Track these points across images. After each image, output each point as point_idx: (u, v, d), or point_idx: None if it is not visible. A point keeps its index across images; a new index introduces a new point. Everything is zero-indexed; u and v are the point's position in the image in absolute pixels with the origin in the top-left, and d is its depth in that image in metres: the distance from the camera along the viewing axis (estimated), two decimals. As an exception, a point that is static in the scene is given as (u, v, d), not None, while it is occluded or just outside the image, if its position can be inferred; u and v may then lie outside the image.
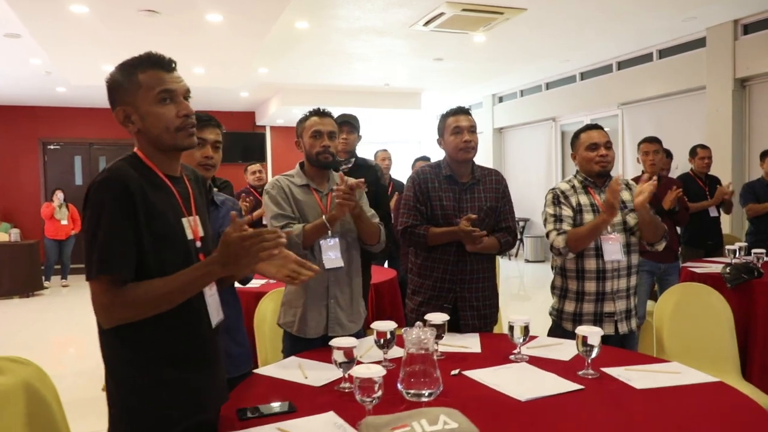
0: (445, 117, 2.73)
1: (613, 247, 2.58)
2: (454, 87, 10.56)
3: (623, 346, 2.64)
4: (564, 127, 10.14)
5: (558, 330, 2.69)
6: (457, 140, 2.65)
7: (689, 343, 2.89)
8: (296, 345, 2.40)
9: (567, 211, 2.65)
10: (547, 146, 10.29)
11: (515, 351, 2.18)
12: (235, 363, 2.18)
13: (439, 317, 2.20)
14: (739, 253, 4.34)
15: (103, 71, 6.87)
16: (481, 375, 1.97)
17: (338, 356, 1.88)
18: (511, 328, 2.15)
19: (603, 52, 8.41)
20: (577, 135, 2.78)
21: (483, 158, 12.00)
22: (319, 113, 2.51)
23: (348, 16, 6.19)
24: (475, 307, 2.66)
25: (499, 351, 2.24)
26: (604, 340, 2.61)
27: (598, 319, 2.60)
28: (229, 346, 2.17)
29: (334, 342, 1.90)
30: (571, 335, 2.60)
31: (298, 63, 8.39)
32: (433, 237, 2.62)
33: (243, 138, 12.52)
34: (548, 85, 10.08)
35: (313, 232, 2.36)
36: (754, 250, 4.14)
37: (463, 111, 2.72)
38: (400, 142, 13.81)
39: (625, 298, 2.64)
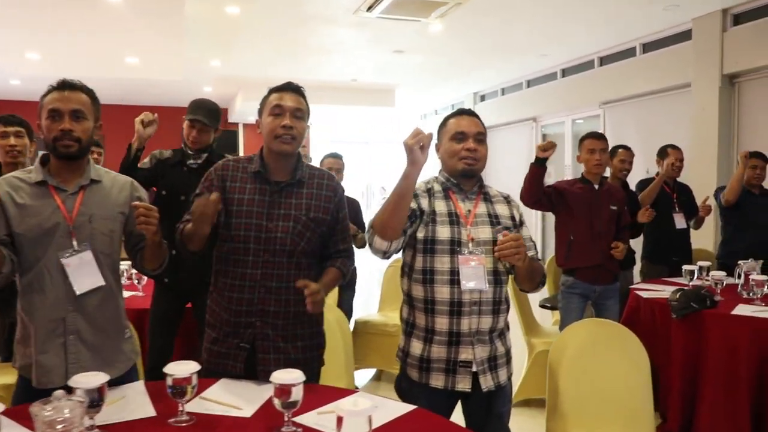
0: (268, 93, 2.05)
1: (473, 272, 1.88)
2: (429, 83, 9.87)
3: (489, 408, 1.96)
4: (545, 128, 9.42)
5: (404, 381, 2.01)
6: (275, 124, 1.96)
7: (591, 398, 2.20)
8: (26, 397, 1.72)
9: None
10: (528, 149, 9.56)
11: (286, 419, 1.52)
12: None
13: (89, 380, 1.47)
14: (700, 273, 3.64)
15: (28, 60, 6.30)
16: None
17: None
18: (276, 389, 1.50)
19: (583, 47, 7.68)
20: (444, 122, 2.10)
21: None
22: (62, 86, 1.84)
23: (281, 0, 5.58)
24: (282, 349, 1.96)
25: (276, 415, 1.58)
26: (464, 397, 1.98)
27: (450, 369, 1.90)
28: None
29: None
30: (419, 387, 1.96)
31: (250, 55, 7.79)
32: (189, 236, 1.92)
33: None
34: (529, 83, 9.36)
35: None
36: (713, 273, 3.43)
37: (290, 88, 2.02)
38: (380, 142, 13.20)
39: (489, 343, 1.93)
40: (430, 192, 2.02)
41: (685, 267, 3.56)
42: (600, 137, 3.57)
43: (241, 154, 11.88)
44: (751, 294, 3.26)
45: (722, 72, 6.11)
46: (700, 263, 3.73)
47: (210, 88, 10.05)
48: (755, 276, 3.25)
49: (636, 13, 6.23)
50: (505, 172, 10.19)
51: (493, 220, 1.99)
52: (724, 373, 2.97)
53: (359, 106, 10.13)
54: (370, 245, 1.91)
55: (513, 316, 3.70)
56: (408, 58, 7.86)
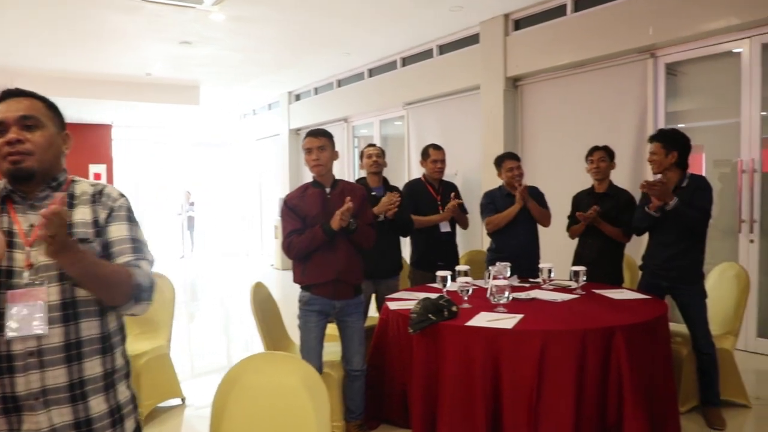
0: None
1: (24, 312, 1.35)
2: (236, 80, 9.28)
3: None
4: (357, 129, 9.26)
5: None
6: None
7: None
8: None
9: None
10: (340, 150, 9.34)
11: None
12: None
13: None
14: (458, 276, 3.49)
15: None
16: None
17: None
18: None
19: (385, 47, 7.58)
20: None
21: (279, 162, 10.87)
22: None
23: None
24: None
25: None
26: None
27: None
28: None
29: None
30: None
31: (18, 41, 6.71)
32: None
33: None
34: (340, 83, 9.15)
35: None
36: (459, 279, 3.27)
37: None
38: (199, 144, 12.38)
39: (72, 403, 1.41)
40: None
41: (439, 273, 3.37)
42: (314, 135, 3.18)
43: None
44: (495, 300, 3.13)
45: (506, 75, 6.24)
46: (458, 268, 3.60)
47: (-26, 79, 8.68)
48: (496, 282, 3.12)
49: (426, 13, 6.18)
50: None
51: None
52: (461, 387, 2.78)
53: (158, 104, 9.29)
54: None
55: (254, 335, 3.31)
56: (199, 50, 7.24)
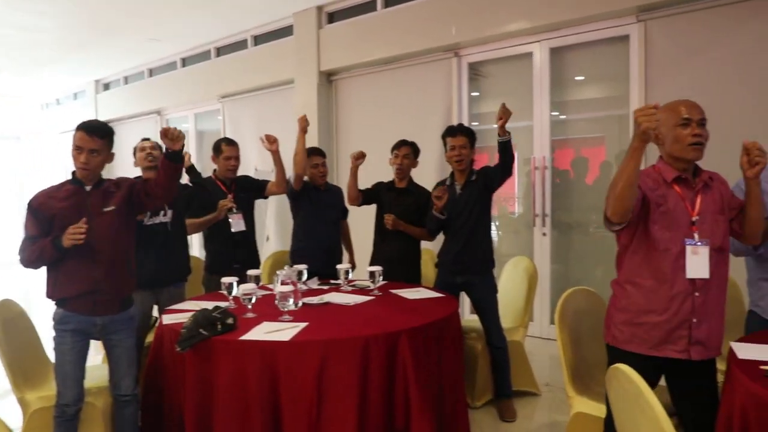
0: None
1: None
2: (27, 64, 8.18)
3: None
4: (173, 123, 8.60)
5: None
6: None
7: None
8: None
9: None
10: (153, 145, 8.68)
11: None
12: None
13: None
14: (249, 281, 3.21)
15: None
16: None
17: None
18: None
19: (198, 35, 7.07)
20: None
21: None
22: None
23: None
24: None
25: None
26: None
27: None
28: None
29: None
30: None
31: None
32: None
33: None
34: (152, 72, 8.44)
35: None
36: (242, 287, 2.99)
37: None
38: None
39: None
40: None
41: (224, 280, 3.09)
42: (89, 131, 2.72)
43: None
44: (282, 307, 2.90)
45: (320, 69, 6.08)
46: (249, 272, 3.31)
47: None
48: (282, 288, 2.90)
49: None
50: (125, 173, 9.09)
51: None
52: (236, 408, 2.53)
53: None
54: None
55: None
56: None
